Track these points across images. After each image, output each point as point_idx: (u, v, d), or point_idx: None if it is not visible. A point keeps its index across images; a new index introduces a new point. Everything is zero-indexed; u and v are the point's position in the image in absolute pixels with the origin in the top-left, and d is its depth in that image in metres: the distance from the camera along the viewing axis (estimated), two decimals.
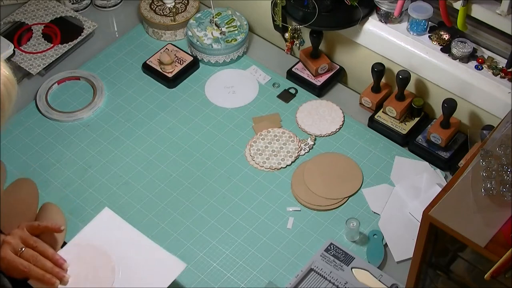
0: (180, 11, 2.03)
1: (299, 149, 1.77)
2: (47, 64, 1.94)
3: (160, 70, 1.92)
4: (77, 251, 1.39)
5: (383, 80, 1.83)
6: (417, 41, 1.72)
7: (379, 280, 1.52)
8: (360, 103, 1.86)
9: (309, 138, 1.79)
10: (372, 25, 1.78)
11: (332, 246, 1.58)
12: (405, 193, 1.66)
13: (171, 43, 1.99)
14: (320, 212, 1.66)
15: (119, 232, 1.44)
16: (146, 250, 1.42)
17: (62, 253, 1.35)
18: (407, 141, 1.77)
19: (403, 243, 1.58)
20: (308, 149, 1.77)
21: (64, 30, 2.02)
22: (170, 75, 1.91)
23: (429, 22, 1.72)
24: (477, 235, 1.18)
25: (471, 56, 1.67)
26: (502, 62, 1.65)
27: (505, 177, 1.24)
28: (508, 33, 1.59)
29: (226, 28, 1.97)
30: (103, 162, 1.76)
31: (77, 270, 1.36)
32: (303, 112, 1.84)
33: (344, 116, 1.83)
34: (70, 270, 1.34)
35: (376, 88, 1.83)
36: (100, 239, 1.41)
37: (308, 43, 1.89)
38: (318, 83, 1.88)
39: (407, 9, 1.70)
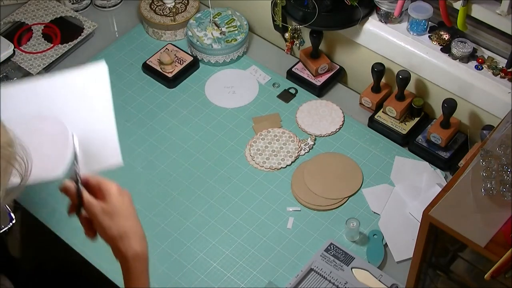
0: (180, 11, 2.03)
1: (299, 149, 1.77)
2: (47, 64, 1.94)
3: (160, 70, 1.92)
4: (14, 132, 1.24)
5: (383, 80, 1.83)
6: (417, 41, 1.72)
7: (379, 280, 1.52)
8: (360, 103, 1.86)
9: (309, 138, 1.79)
10: (372, 25, 1.78)
11: (332, 246, 1.58)
12: (405, 193, 1.66)
13: (171, 43, 1.99)
14: (320, 212, 1.66)
15: (27, 95, 1.34)
16: (60, 84, 1.35)
17: None
18: (407, 141, 1.77)
19: (403, 243, 1.58)
20: (308, 149, 1.77)
21: (64, 30, 2.02)
22: (170, 75, 1.91)
23: (429, 22, 1.72)
24: (477, 235, 1.18)
25: (471, 56, 1.67)
26: (502, 62, 1.65)
27: (505, 177, 1.24)
28: (508, 33, 1.58)
29: (226, 28, 1.97)
30: None
31: (29, 146, 1.22)
32: (303, 112, 1.84)
33: (344, 116, 1.83)
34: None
35: (376, 88, 1.83)
36: (18, 112, 1.31)
37: (308, 43, 1.89)
38: (318, 83, 1.88)
39: (407, 9, 1.70)
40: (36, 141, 1.26)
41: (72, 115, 1.33)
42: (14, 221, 1.34)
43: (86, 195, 1.24)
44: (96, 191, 1.26)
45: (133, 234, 1.24)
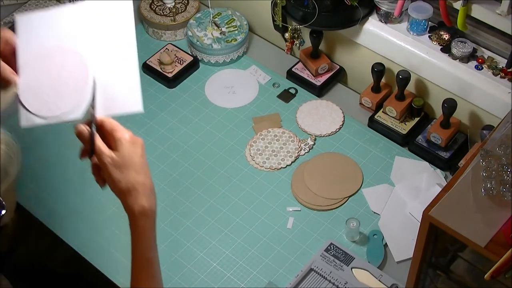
0: (180, 11, 2.03)
1: (299, 149, 1.77)
2: None
3: (160, 70, 1.92)
4: (30, 67, 1.27)
5: (383, 80, 1.83)
6: (417, 41, 1.72)
7: (379, 280, 1.52)
8: (360, 103, 1.86)
9: (309, 138, 1.79)
10: (372, 25, 1.78)
11: (332, 246, 1.58)
12: (405, 193, 1.66)
13: (171, 43, 1.99)
14: (320, 212, 1.66)
15: (49, 22, 1.30)
16: (84, 14, 1.30)
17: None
18: (407, 141, 1.77)
19: (403, 243, 1.58)
20: (308, 149, 1.77)
21: None
22: (170, 75, 1.91)
23: (429, 22, 1.72)
24: (477, 235, 1.18)
25: (471, 56, 1.67)
26: (502, 62, 1.65)
27: (505, 177, 1.24)
28: (508, 33, 1.59)
29: (226, 28, 1.97)
30: None
31: (46, 80, 1.26)
32: (303, 112, 1.84)
33: (344, 116, 1.83)
34: (40, 85, 1.25)
35: (376, 88, 1.83)
36: (39, 43, 1.28)
37: (308, 43, 1.89)
38: (318, 83, 1.88)
39: (407, 9, 1.70)
40: (55, 75, 1.26)
41: (93, 49, 1.28)
42: (4, 211, 1.34)
43: (98, 142, 1.20)
44: (109, 137, 1.22)
45: (142, 189, 1.21)
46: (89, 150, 1.20)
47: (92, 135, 1.20)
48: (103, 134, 1.22)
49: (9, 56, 1.27)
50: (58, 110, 1.24)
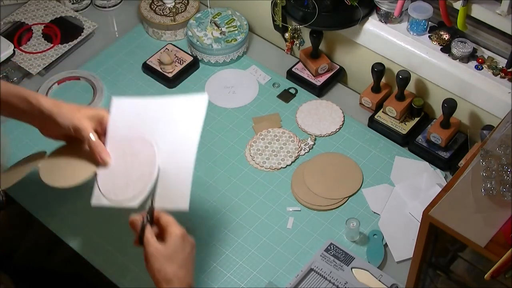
0: (180, 11, 2.03)
1: (299, 149, 1.77)
2: (47, 64, 1.94)
3: (160, 70, 1.92)
4: (114, 152, 1.39)
5: (383, 80, 1.83)
6: (417, 41, 1.72)
7: (379, 280, 1.52)
8: (360, 103, 1.86)
9: (309, 138, 1.79)
10: (372, 25, 1.78)
11: (332, 246, 1.58)
12: (405, 193, 1.66)
13: (171, 43, 1.99)
14: (320, 212, 1.66)
15: (137, 111, 1.44)
16: (167, 108, 1.43)
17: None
18: (407, 141, 1.77)
19: (403, 243, 1.58)
20: (308, 149, 1.77)
21: (64, 30, 2.02)
22: (170, 75, 1.91)
23: (429, 22, 1.72)
24: (477, 235, 1.18)
25: (471, 56, 1.67)
26: (502, 62, 1.65)
27: (505, 177, 1.24)
28: (508, 33, 1.59)
29: (226, 28, 1.97)
30: None
31: (121, 166, 1.38)
32: (303, 112, 1.84)
33: (344, 116, 1.83)
34: (115, 169, 1.37)
35: (376, 88, 1.83)
36: (125, 129, 1.41)
37: (308, 43, 1.89)
38: (318, 83, 1.88)
39: (407, 9, 1.70)
40: (129, 162, 1.38)
41: (163, 142, 1.39)
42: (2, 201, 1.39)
43: (148, 234, 1.29)
44: (162, 230, 1.31)
45: (178, 283, 1.27)
46: (138, 239, 1.30)
47: (143, 226, 1.29)
48: (158, 226, 1.32)
49: (100, 136, 1.40)
50: (121, 196, 1.36)
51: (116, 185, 1.38)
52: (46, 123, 1.40)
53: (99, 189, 1.39)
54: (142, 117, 1.43)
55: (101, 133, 1.42)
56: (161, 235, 1.31)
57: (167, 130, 1.40)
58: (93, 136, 1.37)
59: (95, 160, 1.39)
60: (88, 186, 1.71)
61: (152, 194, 1.36)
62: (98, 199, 1.39)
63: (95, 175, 1.40)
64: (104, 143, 1.40)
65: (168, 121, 1.41)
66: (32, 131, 1.82)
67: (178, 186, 1.37)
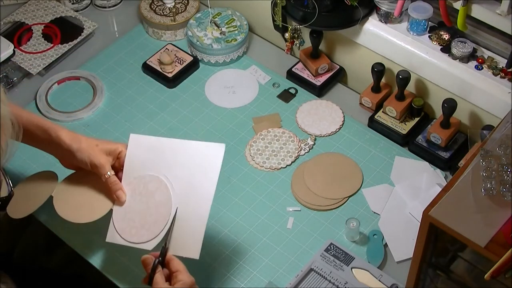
0: (180, 11, 2.03)
1: (299, 149, 1.77)
2: (47, 64, 1.94)
3: (160, 70, 1.92)
4: (129, 189, 1.42)
5: (383, 80, 1.83)
6: (417, 41, 1.72)
7: (379, 280, 1.52)
8: (360, 103, 1.86)
9: (309, 138, 1.79)
10: (372, 25, 1.78)
11: (332, 246, 1.58)
12: (405, 193, 1.66)
13: (171, 43, 1.99)
14: (320, 212, 1.66)
15: (153, 149, 1.46)
16: (184, 151, 1.44)
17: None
18: (407, 141, 1.77)
19: (403, 243, 1.58)
20: (308, 149, 1.77)
21: (64, 30, 2.02)
22: (170, 75, 1.91)
23: (429, 22, 1.72)
24: (477, 235, 1.18)
25: (471, 56, 1.67)
26: (502, 62, 1.65)
27: (505, 177, 1.24)
28: (508, 33, 1.59)
29: (226, 28, 1.97)
30: None
31: (137, 205, 1.40)
32: (303, 112, 1.84)
33: (344, 116, 1.83)
34: (131, 208, 1.40)
35: (376, 88, 1.83)
36: (141, 166, 1.43)
37: (308, 43, 1.89)
38: (318, 83, 1.88)
39: (407, 9, 1.70)
40: (144, 202, 1.41)
41: (180, 185, 1.42)
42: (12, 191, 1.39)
43: (158, 275, 1.32)
44: (172, 274, 1.34)
45: None
46: (148, 279, 1.33)
47: (155, 267, 1.33)
48: (168, 268, 1.35)
49: (117, 171, 1.43)
50: (136, 238, 1.40)
51: (131, 225, 1.40)
52: (64, 155, 1.43)
53: (114, 226, 1.42)
54: (159, 156, 1.45)
55: (118, 168, 1.45)
56: (169, 277, 1.35)
57: (183, 175, 1.42)
58: (110, 173, 1.40)
59: (111, 197, 1.42)
60: None
61: (166, 235, 1.39)
62: (112, 237, 1.41)
63: (111, 210, 1.43)
64: (120, 179, 1.43)
65: (184, 165, 1.43)
66: None
67: (191, 234, 1.40)
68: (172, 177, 1.42)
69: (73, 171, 1.50)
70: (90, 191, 1.44)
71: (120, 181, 1.43)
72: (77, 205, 1.44)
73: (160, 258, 1.35)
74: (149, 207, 1.40)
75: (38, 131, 1.43)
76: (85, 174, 1.45)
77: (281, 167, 1.74)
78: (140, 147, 1.46)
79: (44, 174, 1.50)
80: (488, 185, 1.23)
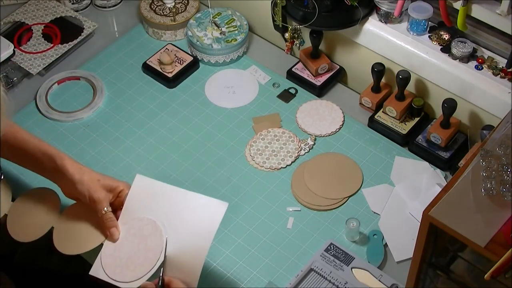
0: (180, 11, 2.03)
1: (299, 149, 1.77)
2: (47, 64, 1.94)
3: (160, 70, 1.92)
4: (125, 228, 1.42)
5: (383, 80, 1.83)
6: (417, 41, 1.72)
7: (379, 280, 1.52)
8: (360, 103, 1.86)
9: (309, 138, 1.79)
10: (372, 25, 1.78)
11: (332, 246, 1.58)
12: (405, 193, 1.66)
13: (171, 43, 1.99)
14: (320, 212, 1.66)
15: (156, 194, 1.46)
16: (186, 201, 1.44)
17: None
18: (407, 141, 1.77)
19: (403, 243, 1.58)
20: (308, 149, 1.77)
21: (64, 30, 2.02)
22: (170, 75, 1.91)
23: (429, 22, 1.72)
24: (477, 235, 1.18)
25: (471, 56, 1.67)
26: (502, 62, 1.65)
27: (505, 177, 1.24)
28: (508, 33, 1.59)
29: (226, 28, 1.97)
30: (103, 162, 1.76)
31: (128, 245, 1.40)
32: (303, 112, 1.84)
33: (344, 116, 1.83)
34: (121, 247, 1.40)
35: (376, 88, 1.83)
36: (141, 208, 1.43)
37: (308, 43, 1.89)
38: (318, 83, 1.88)
39: (407, 9, 1.70)
40: (136, 244, 1.41)
41: (170, 230, 1.41)
42: (2, 177, 1.40)
43: None
44: None
45: None
46: None
47: None
48: None
49: (116, 209, 1.44)
50: (119, 277, 1.39)
51: (117, 263, 1.41)
52: (67, 185, 1.43)
53: (101, 261, 1.42)
54: (160, 202, 1.45)
55: (118, 206, 1.45)
56: None
57: (181, 225, 1.42)
58: (106, 209, 1.41)
59: (104, 232, 1.43)
60: None
61: (162, 268, 1.39)
62: (96, 270, 1.41)
63: (102, 244, 1.44)
64: (118, 216, 1.44)
65: (183, 216, 1.43)
66: (32, 131, 1.83)
67: (185, 279, 1.40)
68: (169, 225, 1.42)
69: (74, 201, 1.50)
70: (87, 221, 1.45)
71: (118, 219, 1.44)
72: (73, 237, 1.45)
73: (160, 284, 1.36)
74: (139, 249, 1.40)
75: (44, 158, 1.43)
76: (85, 206, 1.46)
77: (281, 167, 1.74)
78: (144, 190, 1.46)
79: (46, 194, 1.50)
80: (488, 185, 1.23)
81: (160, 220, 1.42)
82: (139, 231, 1.42)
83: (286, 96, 1.88)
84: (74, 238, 1.45)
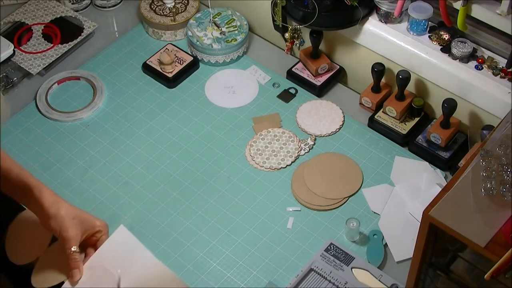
0: (180, 11, 2.03)
1: (299, 149, 1.77)
2: (47, 64, 1.94)
3: (160, 70, 1.92)
4: (88, 273, 1.41)
5: (383, 80, 1.83)
6: (417, 41, 1.72)
7: (379, 280, 1.52)
8: (360, 103, 1.86)
9: (309, 138, 1.79)
10: (372, 25, 1.78)
11: (332, 246, 1.58)
12: (405, 193, 1.67)
13: (171, 43, 1.99)
14: (320, 212, 1.66)
15: (131, 253, 1.44)
16: (154, 272, 1.43)
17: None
18: (407, 141, 1.77)
19: (403, 243, 1.58)
20: (308, 149, 1.77)
21: (64, 30, 2.02)
22: (170, 75, 1.91)
23: (429, 22, 1.72)
24: (477, 235, 1.18)
25: (471, 56, 1.67)
26: (502, 62, 1.65)
27: (505, 177, 1.24)
28: (508, 33, 1.59)
29: (226, 28, 1.97)
30: (103, 162, 1.76)
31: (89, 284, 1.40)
32: (303, 112, 1.84)
33: (344, 116, 1.83)
34: (85, 282, 1.40)
35: (376, 88, 1.83)
36: (111, 259, 1.42)
37: (308, 43, 1.89)
38: (318, 83, 1.88)
39: (407, 9, 1.70)
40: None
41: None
42: None
43: None
44: None
45: None
46: None
47: None
48: None
49: (87, 247, 1.43)
50: None
51: None
52: (43, 218, 1.41)
53: None
54: (130, 260, 1.43)
55: (91, 245, 1.43)
56: None
57: (139, 285, 1.42)
58: (74, 249, 1.39)
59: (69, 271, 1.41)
60: (88, 187, 1.71)
61: None
62: None
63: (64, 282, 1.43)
64: (89, 254, 1.43)
65: (144, 279, 1.42)
66: (32, 131, 1.83)
67: None
68: (127, 284, 1.42)
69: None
70: (59, 257, 1.43)
71: (89, 257, 1.43)
72: (45, 273, 1.44)
73: None
74: None
75: (25, 188, 1.41)
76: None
77: (281, 167, 1.74)
78: (121, 242, 1.45)
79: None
80: (488, 185, 1.23)
81: (122, 279, 1.41)
82: (98, 280, 1.41)
83: (286, 96, 1.88)
84: (46, 274, 1.44)
